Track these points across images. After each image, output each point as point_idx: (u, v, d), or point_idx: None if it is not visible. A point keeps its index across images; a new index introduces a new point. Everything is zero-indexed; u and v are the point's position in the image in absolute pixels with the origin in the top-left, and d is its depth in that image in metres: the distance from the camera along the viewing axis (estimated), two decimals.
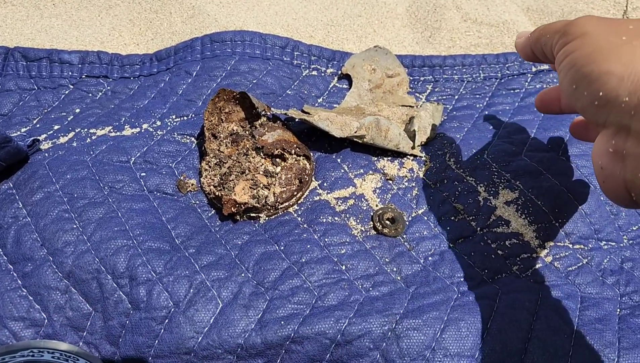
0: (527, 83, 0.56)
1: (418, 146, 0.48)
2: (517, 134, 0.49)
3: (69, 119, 0.51)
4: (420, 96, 0.54)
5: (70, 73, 0.54)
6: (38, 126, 0.51)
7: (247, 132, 0.47)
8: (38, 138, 0.48)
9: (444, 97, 0.54)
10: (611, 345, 0.37)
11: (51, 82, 0.54)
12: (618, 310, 0.39)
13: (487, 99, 0.54)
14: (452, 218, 0.44)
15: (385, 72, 0.52)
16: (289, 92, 0.52)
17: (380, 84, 0.51)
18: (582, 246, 0.43)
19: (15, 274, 0.40)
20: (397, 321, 0.37)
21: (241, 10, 0.62)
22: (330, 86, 0.54)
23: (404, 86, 0.52)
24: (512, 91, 0.55)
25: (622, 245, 0.44)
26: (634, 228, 0.45)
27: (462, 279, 0.40)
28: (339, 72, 0.55)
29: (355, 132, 0.45)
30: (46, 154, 0.46)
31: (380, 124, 0.45)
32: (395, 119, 0.49)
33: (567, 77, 0.32)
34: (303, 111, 0.49)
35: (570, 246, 0.43)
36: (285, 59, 0.55)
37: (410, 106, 0.51)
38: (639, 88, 0.28)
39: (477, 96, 0.55)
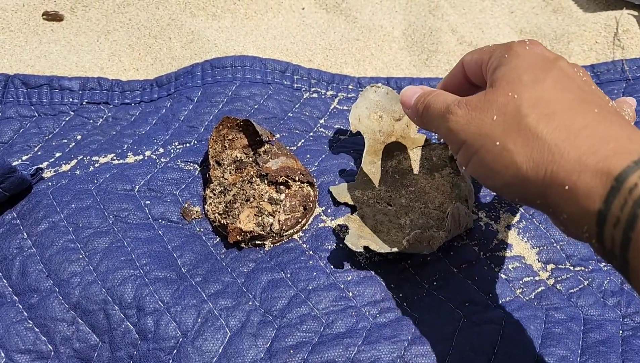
0: None
1: (473, 207, 0.46)
2: None
3: (70, 146, 0.51)
4: None
5: (70, 100, 0.55)
6: (39, 153, 0.51)
7: (250, 159, 0.47)
8: (41, 166, 0.48)
9: None
10: None
11: (52, 109, 0.54)
12: (620, 331, 0.40)
13: None
14: (455, 243, 0.44)
15: (392, 116, 0.49)
16: (291, 115, 0.53)
17: (391, 132, 0.49)
18: (582, 268, 0.44)
19: (20, 306, 0.40)
20: (405, 348, 0.38)
21: (240, 34, 0.62)
22: (331, 108, 0.55)
23: (412, 126, 0.49)
24: None
25: None
26: None
27: (467, 304, 0.41)
28: (339, 94, 0.56)
29: (441, 241, 0.41)
30: (49, 183, 0.46)
31: (455, 218, 0.41)
32: (420, 162, 0.48)
33: None
34: (334, 198, 0.46)
35: (572, 268, 0.44)
36: (285, 82, 0.56)
37: (424, 145, 0.49)
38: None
39: None
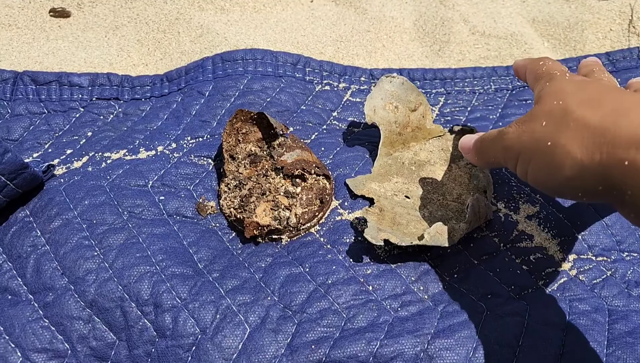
0: None
1: (492, 198, 0.45)
2: None
3: (81, 142, 0.50)
4: (434, 109, 0.54)
5: (80, 96, 0.54)
6: (50, 150, 0.50)
7: (265, 152, 0.46)
8: (52, 163, 0.47)
9: (457, 108, 0.54)
10: None
11: (61, 105, 0.53)
12: None
13: (499, 110, 0.54)
14: (475, 235, 0.43)
15: (407, 107, 0.48)
16: (303, 108, 0.52)
17: (407, 123, 0.48)
18: (605, 258, 0.43)
19: (36, 304, 0.40)
20: (428, 341, 0.37)
21: (250, 28, 0.61)
22: (344, 100, 0.54)
23: (428, 116, 0.49)
24: (524, 102, 0.55)
25: None
26: None
27: (489, 296, 0.40)
28: (351, 86, 0.55)
29: (462, 233, 0.41)
30: (62, 180, 0.45)
31: (475, 210, 0.41)
32: (437, 153, 0.47)
33: None
34: (350, 190, 0.45)
35: (594, 258, 0.43)
36: (297, 75, 0.55)
37: (441, 135, 0.49)
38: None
39: (490, 107, 0.55)
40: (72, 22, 0.63)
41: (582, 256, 0.43)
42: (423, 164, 0.47)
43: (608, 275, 0.42)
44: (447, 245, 0.40)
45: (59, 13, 0.63)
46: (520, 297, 0.40)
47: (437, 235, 0.39)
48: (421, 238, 0.39)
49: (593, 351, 0.37)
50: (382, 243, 0.39)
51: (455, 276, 0.41)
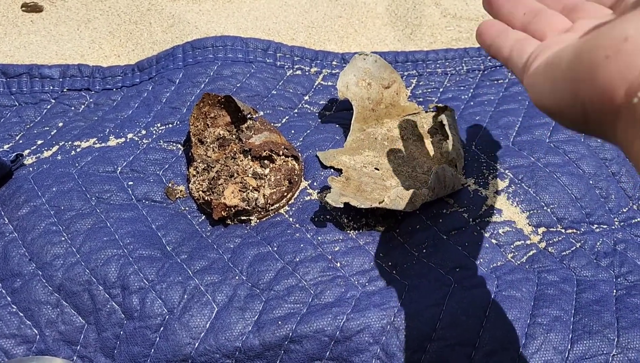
0: (510, 73, 0.56)
1: (462, 172, 0.45)
2: (504, 124, 0.49)
3: (52, 133, 0.50)
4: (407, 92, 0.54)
5: (51, 87, 0.54)
6: (21, 142, 0.50)
7: (233, 135, 0.46)
8: (21, 153, 0.47)
9: (429, 90, 0.55)
10: (610, 326, 0.37)
11: (32, 97, 0.53)
12: (614, 291, 0.39)
13: (471, 90, 0.55)
14: (444, 210, 0.43)
15: (381, 84, 0.48)
16: (274, 92, 0.52)
17: (380, 99, 0.48)
18: (574, 231, 0.43)
19: (4, 291, 0.39)
20: (395, 314, 0.37)
21: (221, 17, 0.61)
22: (316, 84, 0.54)
23: (402, 93, 0.49)
24: (495, 82, 0.56)
25: (613, 227, 0.44)
26: (624, 210, 0.45)
27: (457, 269, 0.40)
28: (323, 70, 0.55)
29: (424, 198, 0.42)
30: (30, 169, 0.45)
31: (439, 177, 0.41)
32: (410, 130, 0.48)
33: None
34: (321, 162, 0.46)
35: (563, 230, 0.43)
36: (268, 61, 0.55)
37: (415, 113, 0.49)
38: None
39: (462, 87, 0.55)
40: (44, 16, 0.63)
41: (551, 229, 0.43)
42: (396, 140, 0.47)
43: (577, 246, 0.42)
44: (408, 209, 0.40)
45: (31, 8, 0.63)
46: (489, 270, 0.40)
47: (398, 199, 0.39)
48: (382, 201, 0.40)
49: (560, 319, 0.37)
50: (341, 206, 0.39)
51: (424, 251, 0.41)
